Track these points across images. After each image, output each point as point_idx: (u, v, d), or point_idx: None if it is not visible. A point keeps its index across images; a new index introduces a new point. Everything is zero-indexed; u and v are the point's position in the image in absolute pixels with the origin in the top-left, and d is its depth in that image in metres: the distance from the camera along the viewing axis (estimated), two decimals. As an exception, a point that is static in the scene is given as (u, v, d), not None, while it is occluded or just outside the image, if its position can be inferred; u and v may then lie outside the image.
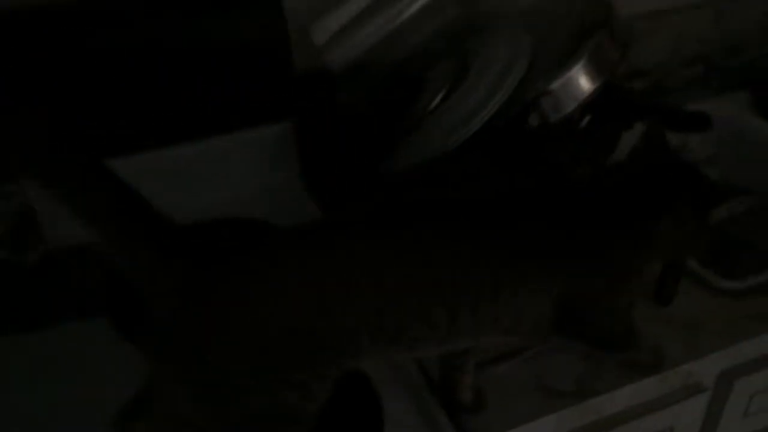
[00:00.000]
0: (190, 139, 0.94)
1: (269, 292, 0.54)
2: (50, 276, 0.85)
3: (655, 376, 0.75)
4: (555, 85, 0.84)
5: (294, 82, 0.96)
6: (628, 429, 0.80)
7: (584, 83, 0.85)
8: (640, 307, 0.70)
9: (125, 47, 0.85)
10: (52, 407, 0.68)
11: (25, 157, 0.51)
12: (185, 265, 0.53)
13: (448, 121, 0.87)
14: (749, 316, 0.81)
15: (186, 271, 0.53)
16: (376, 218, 0.59)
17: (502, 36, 0.94)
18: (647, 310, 0.78)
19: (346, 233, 0.57)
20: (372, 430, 0.68)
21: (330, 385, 0.56)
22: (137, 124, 0.89)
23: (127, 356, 0.59)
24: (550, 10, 0.97)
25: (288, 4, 0.93)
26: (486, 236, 0.58)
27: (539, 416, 0.71)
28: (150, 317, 0.54)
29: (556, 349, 0.76)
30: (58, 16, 0.81)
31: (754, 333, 0.80)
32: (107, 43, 0.85)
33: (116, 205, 0.52)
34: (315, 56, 0.98)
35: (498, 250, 0.58)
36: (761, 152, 1.14)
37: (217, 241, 0.65)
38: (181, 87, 0.90)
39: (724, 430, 0.90)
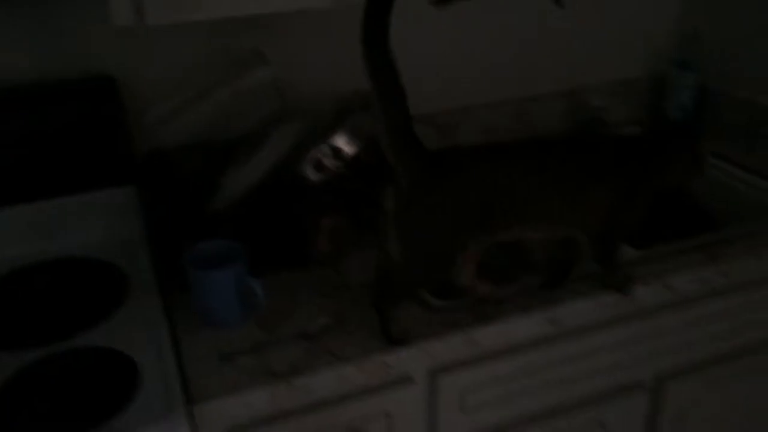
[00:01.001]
0: (50, 197, 1.24)
1: (470, 180, 0.96)
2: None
3: (353, 364, 1.00)
4: (322, 150, 1.15)
5: (132, 156, 1.26)
6: (344, 411, 1.03)
7: (345, 148, 1.16)
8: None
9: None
10: None
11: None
12: (428, 160, 0.95)
13: (231, 182, 1.18)
14: (444, 324, 1.06)
15: (427, 164, 0.95)
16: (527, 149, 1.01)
17: (285, 122, 1.25)
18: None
19: (508, 154, 1.00)
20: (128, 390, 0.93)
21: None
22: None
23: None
24: (325, 101, 1.29)
25: (126, 94, 1.25)
26: (574, 162, 1.00)
27: (249, 388, 0.95)
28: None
29: (287, 342, 1.02)
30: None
31: (443, 336, 1.05)
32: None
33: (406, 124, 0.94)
34: (151, 135, 1.29)
35: (581, 172, 1.00)
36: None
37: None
38: (35, 158, 1.21)
39: (448, 423, 1.13)
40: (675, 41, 1.71)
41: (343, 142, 1.18)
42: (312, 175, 1.17)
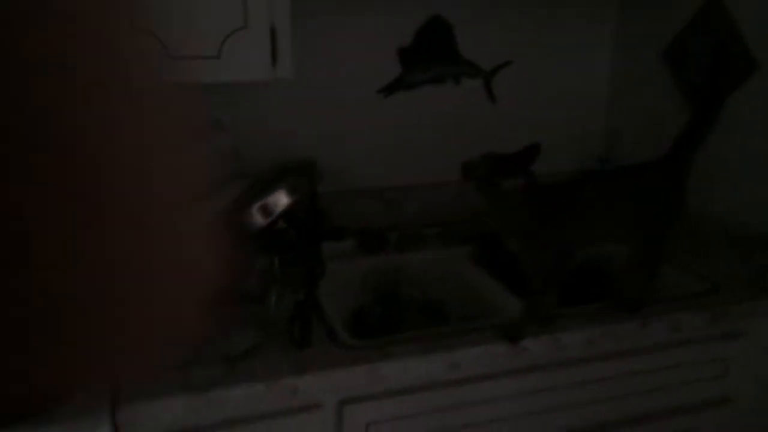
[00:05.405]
0: None
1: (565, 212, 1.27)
2: None
3: (265, 384, 1.12)
4: (266, 199, 1.31)
5: None
6: (255, 429, 1.14)
7: (283, 200, 1.32)
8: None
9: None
10: None
11: None
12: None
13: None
14: (353, 359, 1.19)
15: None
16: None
17: (236, 179, 1.43)
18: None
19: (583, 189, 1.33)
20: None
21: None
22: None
23: None
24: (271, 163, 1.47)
25: None
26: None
27: (168, 397, 1.07)
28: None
29: (208, 362, 1.14)
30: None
31: (350, 368, 1.17)
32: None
33: None
34: None
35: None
36: (473, 289, 1.58)
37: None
38: None
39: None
40: (601, 140, 1.92)
41: (282, 195, 1.35)
42: (259, 219, 1.33)
